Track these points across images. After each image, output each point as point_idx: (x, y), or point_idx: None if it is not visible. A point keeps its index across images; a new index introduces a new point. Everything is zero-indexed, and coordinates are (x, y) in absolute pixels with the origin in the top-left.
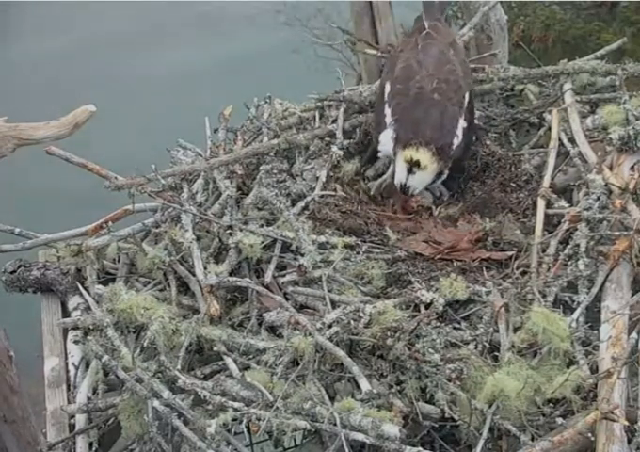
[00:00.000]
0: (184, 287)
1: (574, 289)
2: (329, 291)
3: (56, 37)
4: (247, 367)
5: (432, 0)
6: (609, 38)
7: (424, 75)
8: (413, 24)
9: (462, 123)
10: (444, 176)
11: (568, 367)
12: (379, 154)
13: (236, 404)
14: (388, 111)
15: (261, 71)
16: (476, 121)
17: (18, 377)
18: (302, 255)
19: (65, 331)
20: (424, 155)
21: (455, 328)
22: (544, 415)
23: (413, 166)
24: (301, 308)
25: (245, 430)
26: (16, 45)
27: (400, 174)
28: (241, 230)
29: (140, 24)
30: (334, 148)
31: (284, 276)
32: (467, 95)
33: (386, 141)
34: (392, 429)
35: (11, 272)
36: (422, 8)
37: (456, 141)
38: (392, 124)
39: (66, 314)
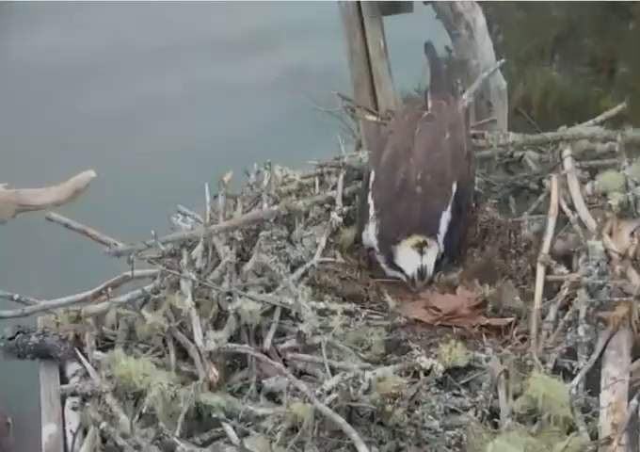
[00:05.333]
0: (183, 354)
1: (574, 355)
2: (329, 357)
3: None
4: (246, 434)
5: (440, 75)
6: (608, 104)
7: (410, 164)
8: (422, 95)
9: (446, 216)
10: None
11: (568, 434)
12: (363, 242)
13: None
14: (371, 202)
15: (260, 137)
16: (476, 188)
17: (15, 443)
18: (301, 322)
19: (63, 398)
20: (424, 238)
21: (454, 394)
22: None
23: (423, 246)
24: (301, 374)
25: None
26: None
27: (412, 262)
28: (240, 296)
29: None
30: (334, 214)
31: (284, 342)
32: (454, 185)
33: (370, 235)
34: None
35: (10, 338)
36: (429, 83)
37: (440, 236)
38: (374, 219)
39: (64, 380)
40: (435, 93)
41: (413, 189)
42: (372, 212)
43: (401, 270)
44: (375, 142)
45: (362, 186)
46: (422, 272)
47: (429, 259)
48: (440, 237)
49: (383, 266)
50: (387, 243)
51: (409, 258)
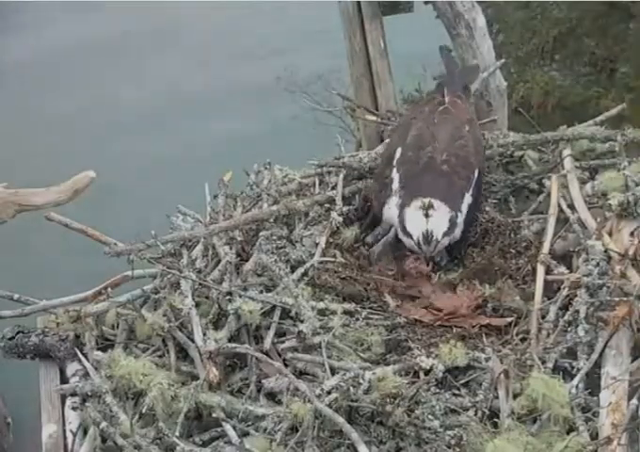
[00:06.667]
0: (182, 353)
1: (574, 355)
2: (329, 357)
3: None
4: (246, 434)
5: (454, 74)
6: (608, 104)
7: (435, 147)
8: (435, 88)
9: (468, 198)
10: (458, 229)
11: (567, 434)
12: (383, 218)
13: None
14: (396, 176)
15: (260, 137)
16: None
17: (15, 443)
18: (301, 321)
19: (63, 398)
20: (433, 201)
21: (454, 394)
22: None
23: (428, 209)
24: (300, 374)
25: None
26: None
27: (417, 223)
28: (240, 296)
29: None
30: (334, 214)
31: (283, 342)
32: (476, 172)
33: (392, 208)
34: None
35: (10, 338)
36: (445, 79)
37: (460, 215)
38: (397, 191)
39: (64, 380)
40: (451, 91)
41: (439, 167)
42: (396, 185)
43: (410, 235)
44: (399, 126)
45: (384, 162)
46: (427, 237)
47: (436, 223)
48: (462, 216)
49: (400, 233)
50: (403, 208)
51: (415, 221)
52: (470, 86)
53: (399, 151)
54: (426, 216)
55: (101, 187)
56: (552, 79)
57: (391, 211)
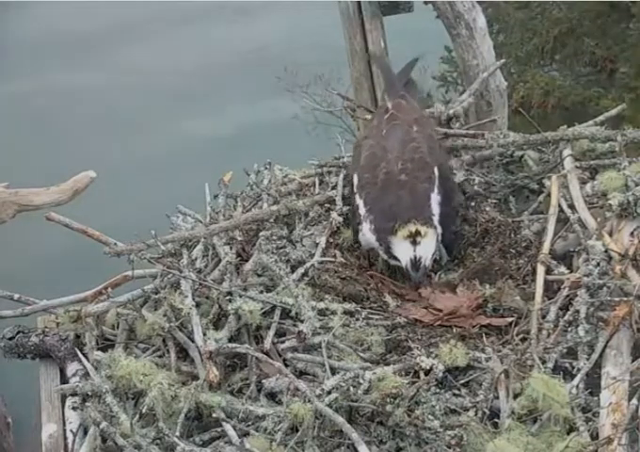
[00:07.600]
0: (183, 353)
1: (574, 355)
2: (329, 357)
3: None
4: (246, 434)
5: (391, 76)
6: (608, 104)
7: (389, 159)
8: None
9: (435, 198)
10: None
11: (568, 434)
12: (361, 245)
13: None
14: (360, 202)
15: (260, 137)
16: (475, 187)
17: (15, 443)
18: (302, 321)
19: (63, 398)
20: (417, 226)
21: (454, 394)
22: None
23: (416, 236)
24: (301, 374)
25: None
26: None
27: (406, 252)
28: (240, 296)
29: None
30: (334, 214)
31: (284, 342)
32: (435, 170)
33: (366, 234)
34: None
35: (10, 338)
36: (385, 85)
37: (434, 217)
38: (366, 216)
39: (64, 380)
40: (391, 94)
41: (397, 178)
42: (362, 211)
43: (398, 260)
44: (353, 150)
45: (349, 190)
46: (415, 263)
47: (423, 250)
48: (436, 219)
49: (384, 256)
50: (384, 234)
51: (403, 248)
52: (412, 78)
53: (356, 176)
54: (414, 243)
55: (100, 186)
56: (552, 79)
57: (366, 237)
